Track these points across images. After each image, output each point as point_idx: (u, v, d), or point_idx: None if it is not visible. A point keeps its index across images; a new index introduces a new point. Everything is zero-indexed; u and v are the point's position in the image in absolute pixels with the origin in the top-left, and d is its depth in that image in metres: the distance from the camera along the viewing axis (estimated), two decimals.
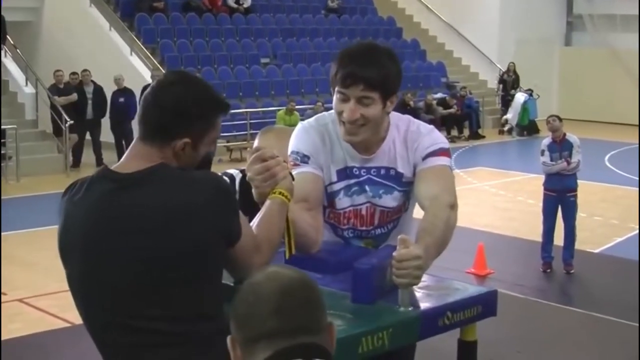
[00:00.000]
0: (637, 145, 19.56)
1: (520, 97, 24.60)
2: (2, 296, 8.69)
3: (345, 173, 3.56)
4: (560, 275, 10.36)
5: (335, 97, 3.43)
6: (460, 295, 3.29)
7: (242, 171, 3.76)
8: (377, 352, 2.86)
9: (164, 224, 2.60)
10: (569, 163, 10.21)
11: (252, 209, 3.63)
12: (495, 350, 7.24)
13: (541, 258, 10.47)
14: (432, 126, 3.62)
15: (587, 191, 12.37)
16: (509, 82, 25.48)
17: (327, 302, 2.99)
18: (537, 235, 10.61)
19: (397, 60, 3.47)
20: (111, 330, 2.69)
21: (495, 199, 14.88)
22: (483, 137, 23.69)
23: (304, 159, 3.49)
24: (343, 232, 3.65)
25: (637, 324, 8.26)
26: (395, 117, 3.58)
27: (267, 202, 2.97)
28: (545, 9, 28.08)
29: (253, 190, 3.03)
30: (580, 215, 10.79)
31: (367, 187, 3.55)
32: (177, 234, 2.59)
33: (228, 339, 1.98)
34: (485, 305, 3.31)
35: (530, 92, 24.88)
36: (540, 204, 10.51)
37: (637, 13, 26.35)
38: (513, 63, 25.56)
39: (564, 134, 10.43)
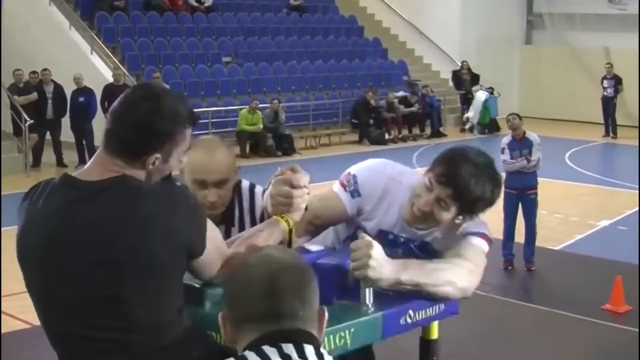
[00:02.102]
0: (598, 143, 19.74)
1: (481, 95, 24.72)
2: None
3: (387, 237, 3.45)
4: (521, 273, 10.44)
5: (422, 181, 3.31)
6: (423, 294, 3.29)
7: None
8: (339, 351, 2.86)
9: (119, 237, 2.57)
10: (529, 161, 10.29)
11: None
12: (456, 347, 7.27)
13: (502, 255, 10.53)
14: (485, 221, 3.48)
15: (547, 189, 12.46)
16: (467, 80, 25.58)
17: None
18: (498, 232, 10.66)
19: (497, 193, 3.34)
20: (67, 338, 2.69)
21: None
22: (445, 135, 23.77)
23: (354, 193, 3.43)
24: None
25: (626, 326, 8.32)
26: None
27: (271, 221, 3.02)
28: (505, 8, 28.23)
29: (268, 202, 3.04)
30: (541, 212, 10.87)
31: (400, 251, 3.45)
32: (133, 247, 2.57)
33: (219, 315, 2.02)
34: (447, 303, 3.32)
35: (491, 90, 25.01)
36: (501, 202, 10.57)
37: (598, 12, 26.63)
38: (466, 61, 25.67)
39: (524, 132, 10.51)
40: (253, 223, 3.69)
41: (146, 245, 2.58)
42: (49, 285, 2.66)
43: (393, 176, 3.47)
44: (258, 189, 3.72)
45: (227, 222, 3.68)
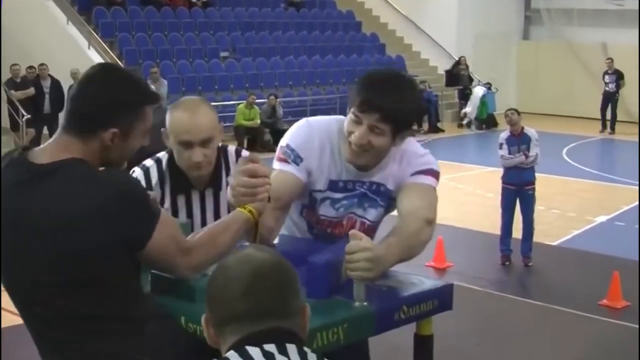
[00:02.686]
0: (595, 139, 19.74)
1: (478, 90, 24.72)
2: None
3: (337, 185, 3.50)
4: (519, 268, 10.42)
5: (348, 117, 3.35)
6: (416, 289, 3.28)
7: (168, 156, 3.65)
8: (332, 347, 2.84)
9: (62, 225, 2.57)
10: (527, 156, 10.26)
11: (185, 190, 3.57)
12: (454, 343, 7.27)
13: (500, 251, 10.52)
14: (428, 150, 3.58)
15: (545, 184, 12.44)
16: (465, 75, 25.56)
17: None
18: (495, 228, 10.66)
19: (419, 97, 3.44)
20: (32, 321, 2.75)
21: (454, 193, 14.92)
22: (442, 130, 23.77)
23: (297, 159, 3.41)
24: (318, 232, 3.62)
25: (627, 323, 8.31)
26: None
27: (234, 213, 2.98)
28: (503, 3, 28.22)
29: (229, 194, 3.00)
30: (539, 208, 10.85)
31: (356, 200, 3.53)
32: (74, 236, 2.56)
33: (202, 318, 2.01)
34: (441, 299, 3.30)
35: (488, 85, 25.00)
36: (499, 197, 10.56)
37: (595, 8, 26.61)
38: (464, 57, 25.66)
39: (522, 128, 10.48)
40: None
41: (85, 236, 2.56)
42: (6, 266, 2.69)
43: (321, 127, 3.49)
44: (245, 153, 3.69)
45: (215, 185, 3.65)
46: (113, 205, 2.59)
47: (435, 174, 3.50)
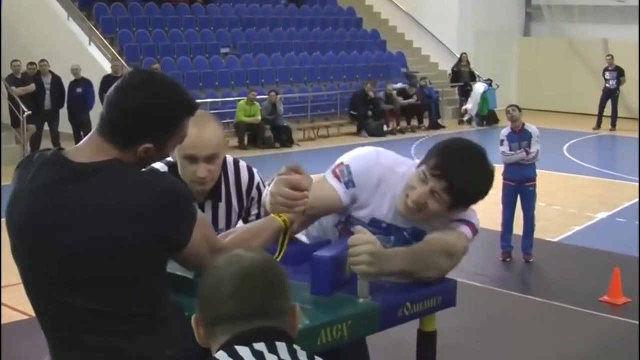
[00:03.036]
0: (596, 135, 19.74)
1: (479, 87, 24.70)
2: None
3: (380, 226, 3.45)
4: (520, 264, 10.43)
5: (416, 172, 3.30)
6: (420, 286, 3.28)
7: (169, 163, 3.63)
8: (336, 343, 2.85)
9: (100, 222, 2.55)
10: (527, 153, 10.27)
11: None
12: (455, 340, 7.27)
13: (500, 247, 10.53)
14: (474, 207, 3.47)
15: (546, 180, 12.44)
16: (466, 72, 25.56)
17: None
18: (496, 224, 10.66)
19: (491, 177, 3.34)
20: (49, 317, 2.70)
21: None
22: (443, 127, 23.76)
23: (349, 183, 3.37)
24: None
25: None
26: None
27: (268, 218, 3.00)
28: (504, 0, 28.20)
29: (267, 200, 3.02)
30: (539, 204, 10.86)
31: (392, 238, 3.46)
32: (112, 233, 2.55)
33: (192, 318, 2.01)
34: (444, 295, 3.32)
35: (489, 82, 24.99)
36: (500, 194, 10.55)
37: (596, 4, 26.60)
38: (465, 53, 25.66)
39: (523, 124, 10.48)
40: (239, 197, 3.68)
41: (124, 234, 2.55)
42: (33, 260, 2.66)
43: (387, 165, 3.44)
44: (242, 164, 3.69)
45: (214, 197, 3.66)
46: (158, 205, 2.59)
47: (471, 226, 3.43)
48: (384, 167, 3.43)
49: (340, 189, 3.36)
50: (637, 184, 14.24)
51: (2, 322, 8.02)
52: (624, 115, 24.42)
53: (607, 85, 23.67)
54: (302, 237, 3.61)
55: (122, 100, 2.65)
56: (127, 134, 2.64)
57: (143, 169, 2.72)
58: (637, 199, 13.58)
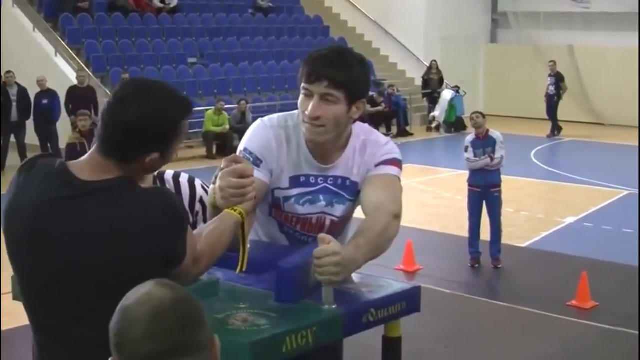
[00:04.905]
0: (563, 141, 19.83)
1: (447, 94, 24.82)
2: None
3: (299, 181, 3.48)
4: (489, 270, 10.46)
5: (300, 96, 3.35)
6: (385, 292, 3.29)
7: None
8: (302, 350, 2.85)
9: (104, 241, 2.55)
10: (492, 159, 10.31)
11: None
12: (424, 345, 7.29)
13: (469, 253, 10.56)
14: (389, 138, 3.58)
15: (513, 186, 12.53)
16: (435, 80, 25.66)
17: (251, 301, 3.03)
18: (465, 231, 10.69)
19: (366, 66, 3.43)
20: (41, 332, 2.69)
21: (423, 196, 14.98)
22: (411, 134, 23.85)
23: (256, 161, 3.36)
24: (289, 230, 3.60)
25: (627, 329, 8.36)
26: (357, 126, 3.52)
27: (224, 215, 2.95)
28: (470, 7, 28.37)
29: (217, 195, 2.99)
30: (507, 210, 10.91)
31: (321, 197, 3.50)
32: (115, 252, 2.54)
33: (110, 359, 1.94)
34: (409, 301, 3.32)
35: (457, 89, 25.11)
36: (466, 200, 10.61)
37: (562, 11, 26.79)
38: (435, 61, 25.78)
39: (487, 130, 10.53)
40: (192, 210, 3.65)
41: (130, 252, 2.55)
42: (33, 272, 2.64)
43: (275, 124, 3.48)
44: (182, 178, 3.67)
45: None
46: (160, 223, 2.58)
47: (398, 163, 3.48)
48: (274, 128, 3.47)
49: (255, 173, 3.25)
50: (638, 193, 14.21)
51: (6, 327, 7.94)
52: (591, 120, 24.61)
53: (548, 91, 23.68)
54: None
55: (118, 115, 2.61)
56: (129, 149, 2.62)
57: (146, 187, 2.70)
58: (605, 204, 13.67)
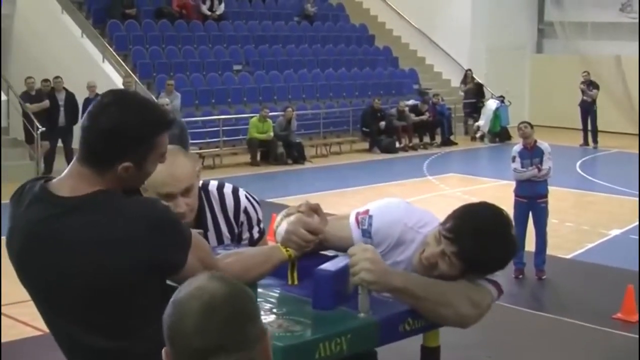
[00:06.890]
0: (609, 152, 19.66)
1: (492, 103, 24.70)
2: None
3: None
4: (532, 281, 10.39)
5: (435, 229, 3.20)
6: None
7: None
8: (336, 357, 2.84)
9: (91, 255, 2.57)
10: (539, 170, 10.25)
11: None
12: (466, 356, 7.24)
13: (513, 264, 10.48)
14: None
15: (558, 197, 12.42)
16: (472, 89, 25.50)
17: (288, 308, 3.01)
18: None
19: (509, 250, 3.23)
20: (61, 342, 2.76)
21: None
22: (455, 143, 23.77)
23: (365, 233, 3.31)
24: None
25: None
26: None
27: (275, 249, 3.06)
28: (516, 16, 28.20)
29: (280, 233, 3.11)
30: (552, 221, 10.83)
31: None
32: (103, 265, 2.57)
33: (163, 351, 1.96)
34: None
35: (502, 98, 24.98)
36: (512, 211, 10.53)
37: (609, 21, 26.56)
38: (470, 70, 25.66)
39: (535, 141, 10.47)
40: (228, 224, 3.64)
41: (118, 265, 2.57)
42: (32, 291, 2.74)
43: (410, 225, 3.34)
44: (227, 189, 3.66)
45: (201, 228, 3.62)
46: (148, 235, 2.59)
47: (496, 285, 3.29)
48: (405, 226, 3.33)
49: (356, 235, 3.29)
50: (638, 199, 14.12)
51: (17, 337, 8.03)
52: (638, 131, 24.37)
53: (584, 97, 23.57)
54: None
55: (95, 121, 2.65)
56: (104, 155, 2.64)
57: (130, 198, 2.72)
58: (638, 215, 13.50)
